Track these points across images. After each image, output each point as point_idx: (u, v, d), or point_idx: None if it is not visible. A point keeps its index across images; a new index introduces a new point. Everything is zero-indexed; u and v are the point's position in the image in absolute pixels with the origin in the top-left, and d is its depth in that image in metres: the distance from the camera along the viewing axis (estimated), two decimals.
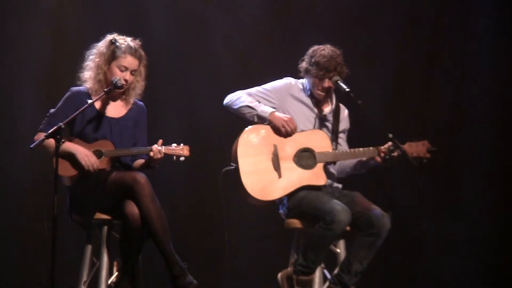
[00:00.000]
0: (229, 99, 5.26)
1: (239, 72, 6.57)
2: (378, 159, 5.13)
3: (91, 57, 5.04)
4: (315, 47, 5.26)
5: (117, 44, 4.98)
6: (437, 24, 6.69)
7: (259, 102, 5.22)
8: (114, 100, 5.08)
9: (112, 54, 4.97)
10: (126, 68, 4.97)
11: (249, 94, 5.23)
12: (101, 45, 5.02)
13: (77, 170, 4.87)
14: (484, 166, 6.59)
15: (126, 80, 4.96)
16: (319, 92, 5.23)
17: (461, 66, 6.67)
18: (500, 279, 6.48)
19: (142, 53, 5.03)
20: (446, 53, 6.67)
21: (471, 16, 6.65)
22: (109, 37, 5.03)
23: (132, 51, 4.98)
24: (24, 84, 6.38)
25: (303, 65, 5.26)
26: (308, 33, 6.51)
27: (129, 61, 4.97)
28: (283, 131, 5.14)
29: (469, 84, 6.67)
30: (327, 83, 5.19)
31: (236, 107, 5.21)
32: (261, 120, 5.18)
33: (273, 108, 5.23)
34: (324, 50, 5.20)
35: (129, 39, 5.02)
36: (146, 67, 5.08)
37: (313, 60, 5.19)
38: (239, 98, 5.22)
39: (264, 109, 5.17)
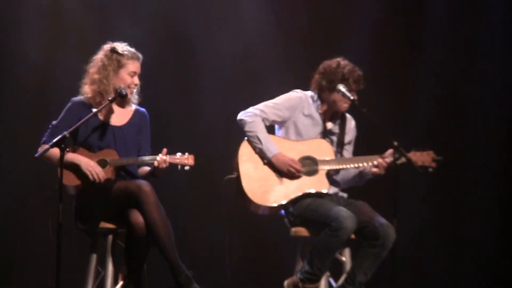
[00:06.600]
0: (243, 118, 5.16)
1: (244, 81, 6.59)
2: (381, 167, 5.10)
3: (91, 70, 5.03)
4: (347, 62, 5.17)
5: (119, 52, 5.01)
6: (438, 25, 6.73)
7: (272, 120, 5.19)
8: (116, 108, 5.09)
9: (118, 63, 4.99)
10: (135, 73, 5.03)
11: (263, 119, 5.16)
12: (102, 57, 5.02)
13: (82, 181, 4.87)
14: (486, 168, 6.61)
15: (136, 84, 5.03)
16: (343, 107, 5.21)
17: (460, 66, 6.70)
18: (500, 279, 6.48)
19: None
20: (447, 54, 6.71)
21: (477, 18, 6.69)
22: (106, 47, 5.06)
23: (136, 56, 5.04)
24: (25, 91, 6.41)
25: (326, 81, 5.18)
26: (313, 42, 6.56)
27: (137, 65, 5.04)
28: (288, 173, 5.10)
29: (469, 84, 6.69)
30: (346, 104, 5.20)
31: (246, 130, 5.14)
32: (261, 155, 5.14)
33: (281, 121, 5.22)
34: (355, 72, 5.13)
35: (124, 44, 5.06)
36: None
37: (345, 77, 5.12)
38: (253, 123, 5.13)
39: (270, 148, 5.11)
